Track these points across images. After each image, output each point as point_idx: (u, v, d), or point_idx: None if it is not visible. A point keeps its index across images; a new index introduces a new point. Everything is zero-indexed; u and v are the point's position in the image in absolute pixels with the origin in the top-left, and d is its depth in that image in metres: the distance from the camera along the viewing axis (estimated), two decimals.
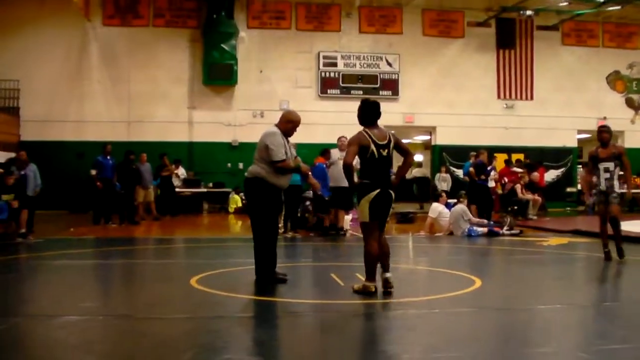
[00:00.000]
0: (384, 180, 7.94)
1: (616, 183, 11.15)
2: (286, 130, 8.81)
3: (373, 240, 7.88)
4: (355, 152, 7.87)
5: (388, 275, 7.90)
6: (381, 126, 8.12)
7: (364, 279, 7.91)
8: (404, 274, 7.49)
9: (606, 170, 11.21)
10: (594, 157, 11.44)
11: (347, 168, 7.94)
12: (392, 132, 8.26)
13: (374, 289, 7.77)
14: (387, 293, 7.76)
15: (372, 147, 7.83)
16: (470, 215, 16.46)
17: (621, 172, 11.56)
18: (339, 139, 16.16)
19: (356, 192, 8.05)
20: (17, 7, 24.00)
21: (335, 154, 15.88)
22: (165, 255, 13.22)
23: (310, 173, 9.72)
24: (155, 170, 21.27)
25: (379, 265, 7.92)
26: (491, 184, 20.11)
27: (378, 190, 7.84)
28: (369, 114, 8.06)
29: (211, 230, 18.79)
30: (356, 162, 8.10)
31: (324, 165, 16.07)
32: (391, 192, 7.99)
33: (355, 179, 8.13)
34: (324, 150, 16.93)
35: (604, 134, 11.39)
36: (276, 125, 8.85)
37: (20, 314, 7.08)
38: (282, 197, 9.12)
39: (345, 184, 15.37)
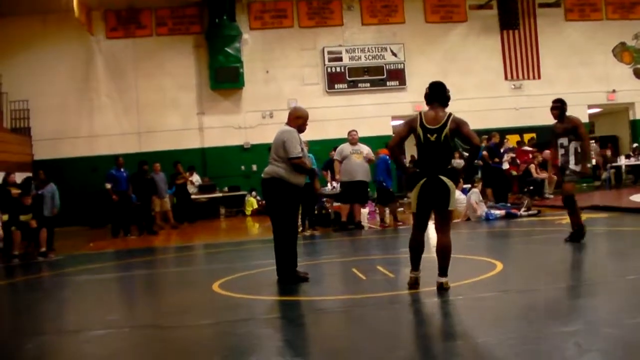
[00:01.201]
0: (433, 167, 7.28)
1: (572, 159, 10.45)
2: (298, 126, 8.86)
3: (415, 231, 7.50)
4: (400, 133, 7.44)
5: (443, 280, 7.28)
6: (444, 110, 7.42)
7: (387, 274, 7.80)
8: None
9: (561, 146, 10.68)
10: (552, 132, 10.98)
11: (392, 150, 7.58)
12: (457, 117, 7.42)
13: (409, 279, 7.43)
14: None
15: (419, 130, 7.28)
16: (481, 199, 16.41)
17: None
18: (350, 132, 16.16)
19: (407, 183, 7.63)
20: (20, 29, 24.14)
21: (347, 148, 15.85)
22: (185, 263, 13.26)
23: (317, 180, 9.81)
24: (170, 178, 21.39)
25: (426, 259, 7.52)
26: (505, 165, 20.06)
27: (424, 180, 7.28)
28: (430, 94, 7.47)
29: (230, 234, 18.83)
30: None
31: (387, 157, 15.86)
32: (444, 179, 7.26)
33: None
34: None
35: (552, 110, 10.83)
36: (287, 124, 8.88)
37: (47, 331, 7.12)
38: (300, 195, 9.09)
39: (360, 177, 15.57)
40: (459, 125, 7.31)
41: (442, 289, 7.21)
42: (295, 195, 8.77)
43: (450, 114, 7.37)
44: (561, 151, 10.67)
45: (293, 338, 6.13)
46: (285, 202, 8.65)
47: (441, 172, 7.29)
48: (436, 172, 7.27)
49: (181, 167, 22.18)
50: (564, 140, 10.63)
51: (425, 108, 7.49)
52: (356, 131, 16.29)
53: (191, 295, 8.73)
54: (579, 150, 10.49)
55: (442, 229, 7.45)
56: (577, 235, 10.55)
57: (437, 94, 7.42)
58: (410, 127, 7.35)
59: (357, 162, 15.83)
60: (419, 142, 7.31)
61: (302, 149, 8.67)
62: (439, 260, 7.32)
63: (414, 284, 7.42)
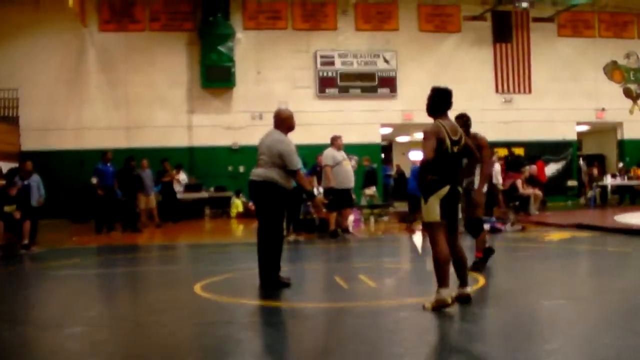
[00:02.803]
0: (454, 177, 7.17)
1: (476, 180, 9.55)
2: (289, 127, 8.96)
3: (443, 242, 7.04)
4: (434, 146, 6.97)
5: (468, 291, 7.21)
6: (451, 119, 7.45)
7: (369, 283, 7.81)
8: (407, 274, 7.44)
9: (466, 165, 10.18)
10: None
11: (427, 164, 6.98)
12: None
13: (450, 301, 6.87)
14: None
15: (448, 141, 7.06)
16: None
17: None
18: (336, 138, 16.02)
19: (423, 190, 7.14)
20: (12, 15, 24.02)
21: (337, 154, 15.73)
22: (168, 262, 13.23)
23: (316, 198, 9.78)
24: (157, 176, 21.32)
25: (452, 273, 7.14)
26: (497, 179, 19.98)
27: (449, 187, 7.05)
28: (440, 102, 7.31)
29: (214, 236, 18.79)
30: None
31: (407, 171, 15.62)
32: (460, 190, 7.28)
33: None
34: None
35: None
36: (278, 129, 8.88)
37: (25, 322, 7.11)
38: (287, 199, 9.07)
39: (351, 185, 15.50)
40: (466, 139, 7.40)
41: (469, 299, 7.16)
42: (285, 199, 8.79)
43: (457, 125, 7.39)
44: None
45: (272, 343, 6.14)
46: (276, 205, 8.67)
47: (459, 182, 7.30)
48: (456, 182, 7.21)
49: (169, 164, 22.13)
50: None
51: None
52: (341, 137, 16.22)
53: (172, 295, 8.69)
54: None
55: (457, 239, 7.32)
56: (483, 261, 9.95)
57: (449, 102, 7.37)
58: (438, 138, 7.05)
59: (348, 169, 15.83)
60: (446, 153, 7.06)
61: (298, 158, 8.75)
62: (461, 271, 7.24)
63: (469, 299, 7.22)
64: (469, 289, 7.25)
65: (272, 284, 8.54)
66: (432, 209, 7.03)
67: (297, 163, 8.70)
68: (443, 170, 7.04)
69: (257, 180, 8.71)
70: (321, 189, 16.71)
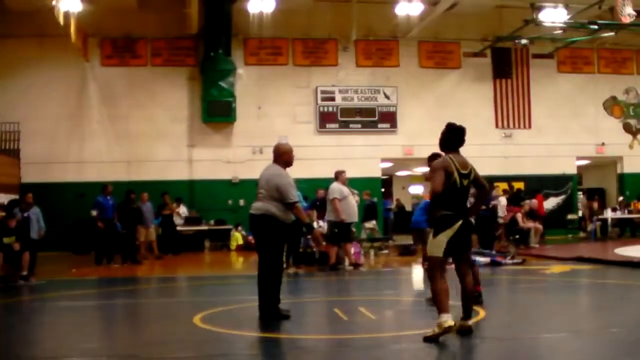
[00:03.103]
0: (465, 211, 7.38)
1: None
2: (286, 161, 8.99)
3: (442, 278, 7.17)
4: (443, 179, 7.20)
5: (470, 323, 7.29)
6: (462, 155, 7.57)
7: (369, 315, 7.79)
8: (407, 306, 7.43)
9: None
10: None
11: (437, 197, 7.23)
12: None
13: (453, 323, 6.95)
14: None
15: (456, 175, 7.26)
16: None
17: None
18: (341, 172, 16.06)
19: (433, 225, 7.31)
20: (16, 49, 24.12)
21: (344, 188, 15.72)
22: (168, 294, 13.18)
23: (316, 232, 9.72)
24: (157, 209, 21.34)
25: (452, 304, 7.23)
26: (501, 212, 19.99)
27: (461, 222, 7.22)
28: (454, 139, 7.55)
29: (214, 268, 18.76)
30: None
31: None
32: (472, 221, 7.48)
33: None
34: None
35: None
36: (274, 162, 8.94)
37: (24, 356, 7.05)
38: (287, 233, 9.08)
39: (356, 219, 15.47)
40: (476, 173, 7.50)
41: (470, 331, 7.21)
42: (284, 232, 8.81)
43: (467, 160, 7.51)
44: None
45: None
46: (275, 238, 8.70)
47: (468, 215, 7.41)
48: (466, 215, 7.37)
49: (168, 198, 22.15)
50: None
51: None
52: (344, 171, 16.26)
53: (172, 327, 8.66)
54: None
55: (468, 272, 7.45)
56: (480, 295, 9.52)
57: (462, 139, 7.57)
58: (447, 172, 7.25)
59: (353, 203, 15.92)
60: (454, 186, 7.24)
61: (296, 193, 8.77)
62: (466, 304, 7.32)
63: (470, 331, 7.26)
64: (471, 322, 7.28)
65: (271, 315, 8.52)
66: (439, 244, 7.16)
67: (294, 196, 8.73)
68: (454, 204, 7.22)
69: (256, 214, 8.76)
70: (321, 223, 16.73)
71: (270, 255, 8.68)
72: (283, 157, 9.01)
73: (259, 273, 8.74)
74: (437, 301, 7.09)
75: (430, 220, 7.41)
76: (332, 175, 16.39)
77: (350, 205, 15.71)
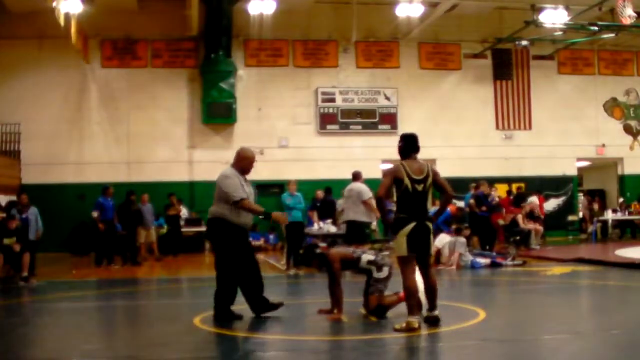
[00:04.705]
0: (420, 214, 7.88)
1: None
2: (242, 167, 8.96)
3: (412, 274, 7.84)
4: (388, 184, 7.91)
5: (436, 313, 7.93)
6: (421, 161, 8.10)
7: (369, 316, 7.81)
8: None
9: None
10: None
11: (380, 200, 8.10)
12: (433, 167, 8.17)
13: (417, 325, 7.58)
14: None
15: (407, 180, 7.80)
16: (466, 249, 16.24)
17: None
18: (360, 173, 15.57)
19: (391, 228, 8.04)
20: (16, 51, 24.14)
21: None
22: (168, 295, 13.17)
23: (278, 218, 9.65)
24: (164, 209, 21.41)
25: (423, 301, 8.01)
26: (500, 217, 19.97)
27: (414, 224, 7.78)
28: (407, 146, 8.10)
29: (213, 269, 18.67)
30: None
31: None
32: (429, 224, 7.92)
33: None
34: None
35: None
36: (232, 165, 8.93)
37: (24, 357, 7.04)
38: (248, 236, 9.16)
39: (362, 219, 15.31)
40: (435, 175, 8.04)
41: (437, 320, 7.85)
42: (240, 235, 8.82)
43: (427, 165, 8.04)
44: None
45: None
46: (228, 241, 8.74)
47: (426, 218, 7.94)
48: (423, 218, 7.88)
49: (175, 198, 22.12)
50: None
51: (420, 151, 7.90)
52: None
53: (171, 328, 8.65)
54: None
55: (429, 270, 8.12)
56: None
57: (415, 146, 8.11)
58: (395, 177, 7.86)
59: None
60: (407, 191, 7.81)
61: (244, 190, 8.71)
62: (430, 298, 7.96)
63: (437, 320, 7.89)
64: (437, 312, 7.92)
65: (223, 316, 8.66)
66: (399, 244, 7.87)
67: (238, 194, 8.61)
68: (408, 208, 7.85)
69: (209, 217, 8.96)
70: (322, 224, 16.67)
71: (224, 257, 8.83)
72: (242, 162, 8.99)
73: (217, 275, 8.95)
74: (407, 300, 7.87)
75: (383, 223, 8.24)
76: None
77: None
